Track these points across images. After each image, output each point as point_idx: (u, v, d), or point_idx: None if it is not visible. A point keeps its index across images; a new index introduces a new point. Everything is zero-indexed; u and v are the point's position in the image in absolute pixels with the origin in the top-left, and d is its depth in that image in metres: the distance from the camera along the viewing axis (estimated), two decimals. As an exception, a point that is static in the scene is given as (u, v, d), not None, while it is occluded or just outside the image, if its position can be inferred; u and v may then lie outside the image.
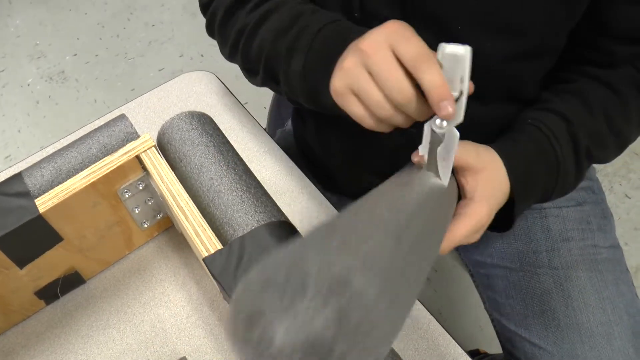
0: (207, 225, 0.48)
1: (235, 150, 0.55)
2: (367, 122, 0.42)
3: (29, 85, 1.81)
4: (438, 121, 0.40)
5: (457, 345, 0.54)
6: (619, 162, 1.52)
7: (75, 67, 1.84)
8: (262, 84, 0.59)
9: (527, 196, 0.51)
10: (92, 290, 0.60)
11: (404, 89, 0.39)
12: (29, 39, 1.93)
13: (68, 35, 1.93)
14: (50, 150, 0.70)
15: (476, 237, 0.48)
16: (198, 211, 0.49)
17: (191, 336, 0.56)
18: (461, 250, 0.78)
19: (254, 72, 0.59)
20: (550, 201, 0.55)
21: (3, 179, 0.54)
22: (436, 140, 0.41)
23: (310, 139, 0.73)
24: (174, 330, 0.57)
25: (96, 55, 1.87)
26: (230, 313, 0.27)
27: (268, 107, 0.94)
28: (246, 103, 1.62)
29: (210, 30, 0.64)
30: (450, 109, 0.37)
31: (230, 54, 0.62)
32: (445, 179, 0.43)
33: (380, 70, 0.39)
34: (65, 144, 0.59)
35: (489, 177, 0.47)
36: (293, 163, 0.68)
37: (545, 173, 0.52)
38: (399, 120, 0.41)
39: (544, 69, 0.57)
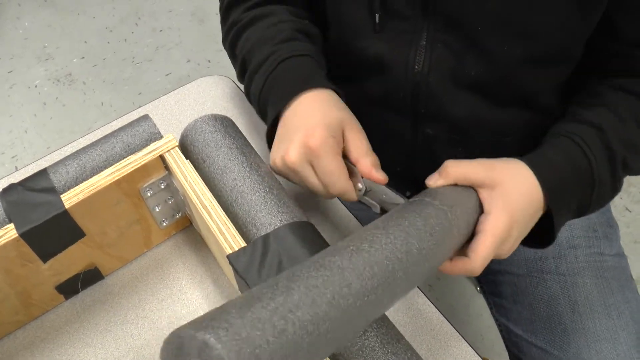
0: (231, 223, 0.50)
1: (257, 153, 0.56)
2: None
3: (36, 86, 1.82)
4: (360, 185, 0.50)
5: (468, 345, 0.55)
6: (619, 176, 1.54)
7: (83, 70, 1.86)
8: (238, 79, 0.65)
9: (562, 207, 0.50)
10: (110, 287, 0.62)
11: (325, 195, 0.50)
12: (37, 41, 1.95)
13: (76, 39, 1.95)
14: (68, 150, 0.71)
15: (505, 250, 0.48)
16: (222, 210, 0.50)
17: (208, 333, 0.58)
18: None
19: (234, 64, 0.65)
20: (590, 213, 0.55)
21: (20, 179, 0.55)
22: (371, 194, 0.50)
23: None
24: (191, 327, 0.58)
25: (104, 59, 1.89)
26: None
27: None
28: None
29: (220, 12, 0.70)
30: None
31: (223, 39, 0.68)
32: (397, 199, 0.48)
33: (306, 183, 0.50)
34: (70, 147, 0.60)
35: (507, 189, 0.48)
36: (308, 167, 0.70)
37: (579, 182, 0.51)
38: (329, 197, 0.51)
39: (560, 77, 0.58)
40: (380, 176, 0.48)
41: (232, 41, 0.64)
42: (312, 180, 0.49)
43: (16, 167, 1.62)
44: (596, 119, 0.54)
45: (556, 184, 0.50)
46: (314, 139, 0.47)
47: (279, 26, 0.60)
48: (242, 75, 0.63)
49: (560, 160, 0.51)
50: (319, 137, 0.47)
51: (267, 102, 0.56)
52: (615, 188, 0.55)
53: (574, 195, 0.51)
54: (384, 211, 0.50)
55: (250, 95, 0.60)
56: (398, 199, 0.48)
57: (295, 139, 0.49)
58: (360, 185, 0.50)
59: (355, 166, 0.49)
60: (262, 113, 0.58)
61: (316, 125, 0.48)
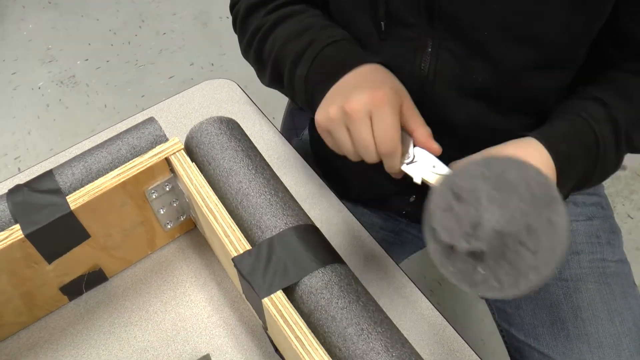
0: (236, 226, 0.50)
1: (262, 156, 0.57)
2: (337, 152, 0.52)
3: (39, 88, 1.83)
4: (408, 154, 0.50)
5: (471, 350, 0.55)
6: (621, 183, 1.54)
7: (86, 72, 1.86)
8: (269, 83, 0.65)
9: (568, 176, 0.51)
10: (114, 288, 0.62)
11: (371, 153, 0.49)
12: (41, 43, 1.95)
13: (80, 41, 1.96)
14: (72, 152, 0.72)
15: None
16: (227, 212, 0.51)
17: (212, 335, 0.58)
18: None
19: (263, 70, 0.65)
20: (590, 187, 0.56)
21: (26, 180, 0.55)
22: (414, 166, 0.50)
23: (329, 147, 0.75)
24: (195, 329, 0.58)
25: (107, 61, 1.89)
26: (441, 185, 0.36)
27: (279, 118, 0.96)
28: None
29: (234, 27, 0.69)
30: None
31: (245, 50, 0.67)
32: (445, 169, 0.49)
33: (358, 136, 0.48)
34: (74, 150, 0.61)
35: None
36: (312, 170, 0.70)
37: (586, 154, 0.52)
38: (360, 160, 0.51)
39: (561, 82, 0.58)
40: (436, 146, 0.49)
41: (257, 47, 0.64)
42: (366, 134, 0.48)
43: (19, 169, 1.63)
44: (601, 94, 0.54)
45: (565, 157, 0.50)
46: (381, 92, 0.48)
47: (310, 20, 0.60)
48: (275, 74, 0.62)
49: (569, 134, 0.51)
50: (385, 92, 0.48)
51: (318, 81, 0.55)
52: (617, 163, 0.55)
53: (579, 167, 0.52)
54: (424, 183, 0.50)
55: (294, 81, 0.59)
56: (446, 169, 0.49)
57: (360, 90, 0.48)
58: (408, 154, 0.50)
59: (410, 136, 0.50)
60: (307, 95, 0.58)
61: (382, 83, 0.50)
